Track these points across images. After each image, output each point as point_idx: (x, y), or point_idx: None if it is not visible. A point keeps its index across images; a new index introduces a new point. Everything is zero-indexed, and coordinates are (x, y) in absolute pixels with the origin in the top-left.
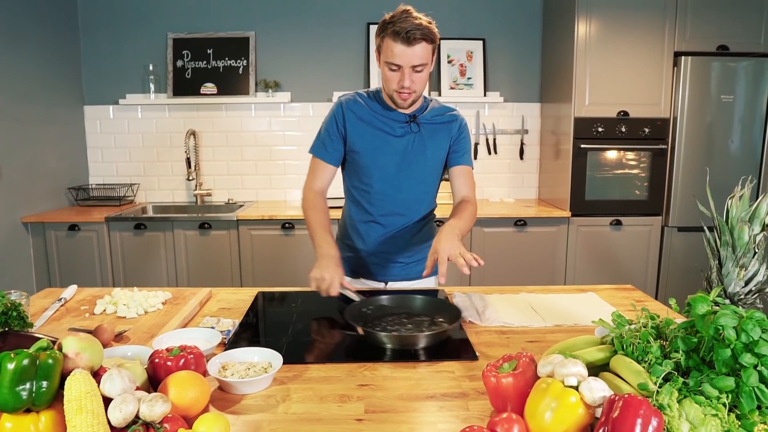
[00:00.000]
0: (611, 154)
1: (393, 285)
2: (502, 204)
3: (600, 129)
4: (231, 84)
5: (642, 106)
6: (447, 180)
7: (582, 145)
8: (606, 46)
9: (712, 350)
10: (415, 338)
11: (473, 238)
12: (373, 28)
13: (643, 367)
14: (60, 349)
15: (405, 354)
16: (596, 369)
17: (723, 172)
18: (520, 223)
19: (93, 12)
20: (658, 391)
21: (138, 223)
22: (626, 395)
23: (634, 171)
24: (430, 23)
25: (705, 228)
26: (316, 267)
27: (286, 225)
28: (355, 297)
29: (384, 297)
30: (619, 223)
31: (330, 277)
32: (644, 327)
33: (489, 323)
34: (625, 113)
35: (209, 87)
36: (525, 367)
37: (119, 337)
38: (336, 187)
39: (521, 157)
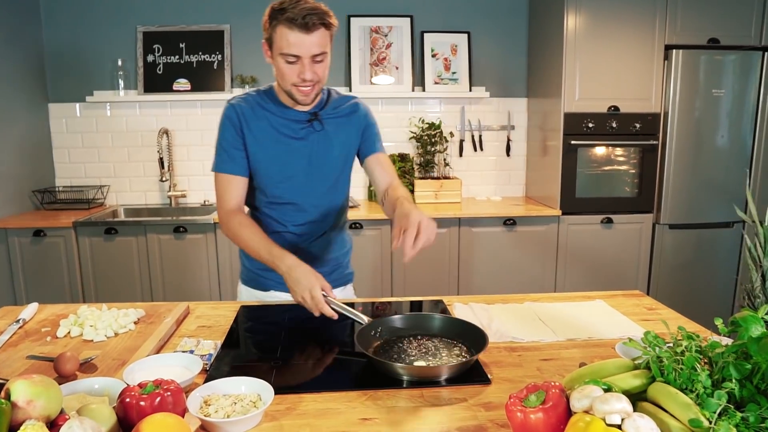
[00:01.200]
0: (602, 150)
1: None
2: (489, 203)
3: (590, 124)
4: (205, 79)
5: (633, 101)
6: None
7: (572, 141)
8: (596, 39)
9: None
10: (437, 370)
11: (461, 237)
12: (356, 21)
13: (690, 398)
14: (8, 396)
15: (408, 379)
16: (631, 398)
17: (713, 167)
18: (510, 222)
19: (56, 2)
20: (713, 429)
21: (108, 227)
22: None
23: (625, 167)
24: (323, 7)
25: (745, 236)
26: (290, 287)
27: None
28: (340, 308)
29: (397, 317)
30: (610, 221)
31: (308, 295)
32: (687, 350)
33: (497, 338)
34: (616, 108)
35: (182, 83)
36: (556, 400)
37: (85, 366)
38: None
39: (508, 154)
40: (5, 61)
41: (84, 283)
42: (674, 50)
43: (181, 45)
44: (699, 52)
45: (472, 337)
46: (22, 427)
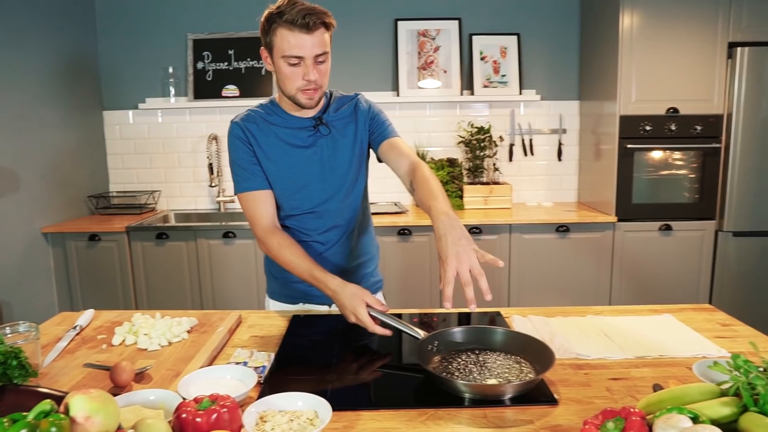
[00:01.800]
0: (659, 154)
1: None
2: (541, 208)
3: (647, 127)
4: (254, 85)
5: (693, 102)
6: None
7: (628, 145)
8: (653, 38)
9: None
10: (502, 389)
11: (512, 245)
12: (403, 25)
13: None
14: (66, 411)
15: (474, 398)
16: (720, 427)
17: None
18: (562, 229)
19: (110, 14)
20: None
21: (160, 232)
22: None
23: (684, 171)
24: (322, 7)
25: None
26: (341, 309)
27: None
28: (393, 323)
29: (455, 330)
30: (669, 228)
31: (354, 316)
32: None
33: (560, 354)
34: (675, 110)
35: (231, 89)
36: (637, 429)
37: (140, 376)
38: None
39: (559, 158)
40: (62, 71)
41: (136, 287)
42: (739, 48)
43: (229, 52)
44: (767, 49)
45: (535, 353)
46: None
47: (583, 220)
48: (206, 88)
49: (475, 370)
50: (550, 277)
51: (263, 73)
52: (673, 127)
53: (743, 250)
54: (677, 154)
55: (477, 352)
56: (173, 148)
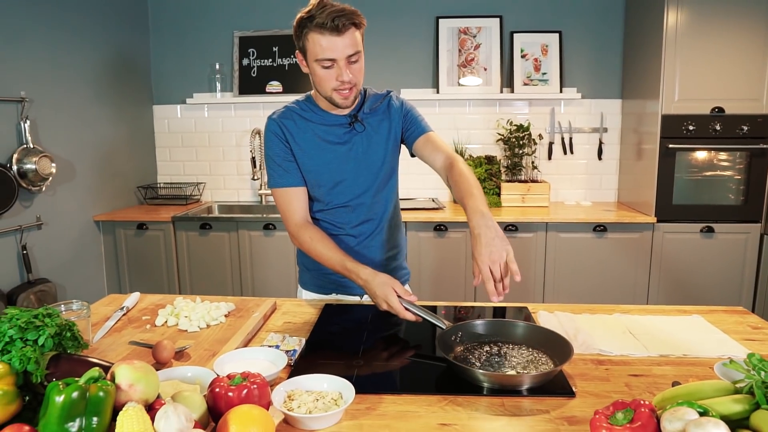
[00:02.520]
0: (703, 155)
1: (367, 297)
2: (579, 207)
3: (691, 127)
4: (296, 81)
5: (740, 102)
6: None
7: (670, 145)
8: (699, 36)
9: None
10: (519, 379)
11: (548, 243)
12: (444, 22)
13: None
14: (113, 379)
15: (492, 387)
16: (731, 424)
17: None
18: (600, 228)
19: (162, 12)
20: None
21: (203, 222)
22: None
23: (729, 173)
24: (351, 7)
25: None
26: (371, 297)
27: None
28: (435, 320)
29: (478, 323)
30: (711, 230)
31: (385, 304)
32: None
33: (583, 350)
34: (720, 109)
35: (275, 85)
36: (645, 421)
37: (180, 354)
38: None
39: (599, 157)
40: (116, 67)
41: (180, 274)
42: None
43: (274, 49)
44: None
45: (556, 346)
46: (124, 408)
47: (621, 220)
48: (251, 84)
49: (495, 360)
50: (586, 277)
51: None
52: (717, 127)
53: None
54: (722, 155)
55: (499, 345)
56: (218, 142)
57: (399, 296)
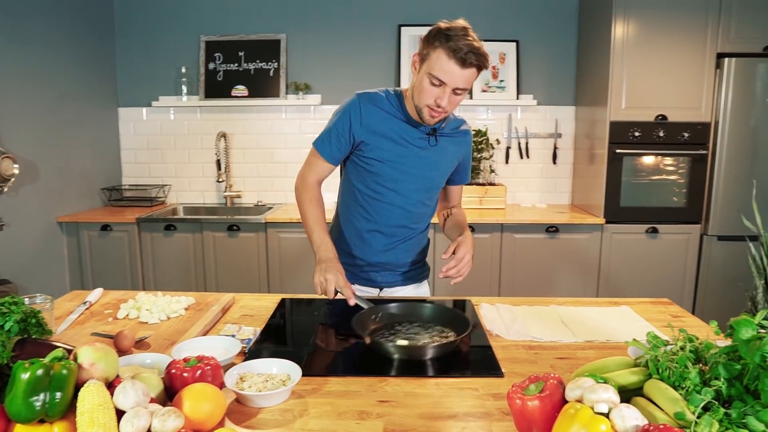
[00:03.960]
0: (648, 160)
1: (387, 291)
2: (534, 210)
3: (637, 133)
4: (262, 86)
5: (681, 110)
6: None
7: (617, 150)
8: (644, 47)
9: (757, 379)
10: (423, 349)
11: (503, 243)
12: (406, 30)
13: (681, 394)
14: (75, 359)
15: (428, 368)
16: (629, 393)
17: (767, 178)
18: (552, 229)
19: (128, 14)
20: (696, 422)
21: (168, 224)
22: (661, 425)
23: (672, 177)
24: (484, 49)
25: (750, 245)
26: (316, 272)
27: None
28: (364, 304)
29: (393, 305)
30: (655, 230)
31: (333, 278)
32: (682, 350)
33: (516, 337)
34: (664, 117)
35: (240, 89)
36: (552, 390)
37: (140, 344)
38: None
39: (554, 162)
40: (82, 68)
41: (144, 276)
42: (727, 59)
43: (240, 53)
44: (755, 61)
45: (459, 323)
46: (85, 385)
47: (572, 222)
48: (216, 88)
49: (409, 335)
50: (540, 275)
51: (271, 74)
52: (661, 134)
53: (727, 254)
54: (665, 160)
55: (411, 323)
56: (184, 145)
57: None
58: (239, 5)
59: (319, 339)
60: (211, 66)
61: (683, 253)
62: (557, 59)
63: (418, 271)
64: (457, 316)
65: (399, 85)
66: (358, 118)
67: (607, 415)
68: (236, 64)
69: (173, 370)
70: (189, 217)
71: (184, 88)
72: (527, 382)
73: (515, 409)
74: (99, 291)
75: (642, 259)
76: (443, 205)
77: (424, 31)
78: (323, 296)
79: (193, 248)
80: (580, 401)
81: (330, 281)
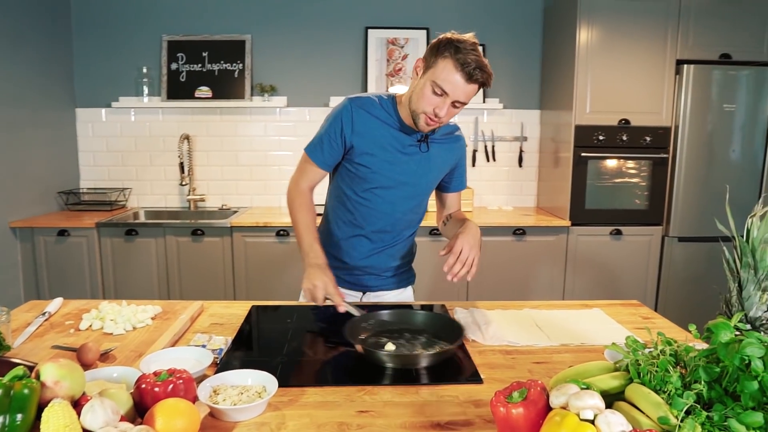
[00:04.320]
0: (612, 163)
1: (370, 295)
2: (501, 212)
3: (601, 137)
4: (226, 88)
5: (643, 114)
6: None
7: (582, 153)
8: (607, 53)
9: (736, 381)
10: (417, 358)
11: None
12: (373, 33)
13: (662, 397)
14: (38, 376)
15: (406, 376)
16: (610, 398)
17: (724, 181)
18: (519, 232)
19: (86, 12)
20: (680, 426)
21: (129, 228)
22: (647, 431)
23: (635, 180)
24: (490, 68)
25: (724, 248)
26: (306, 278)
27: (281, 232)
28: (354, 311)
29: (384, 312)
30: (619, 232)
31: (322, 284)
32: (662, 354)
33: (492, 342)
34: (627, 121)
35: (204, 90)
36: (536, 397)
37: (105, 356)
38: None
39: (520, 165)
40: (37, 68)
41: (104, 282)
42: (686, 65)
43: (203, 54)
44: (711, 67)
45: (450, 331)
46: (49, 405)
47: (539, 224)
48: (179, 89)
49: (400, 344)
50: (508, 278)
51: (236, 75)
52: (624, 138)
53: (688, 255)
54: (628, 163)
55: (402, 331)
56: (145, 147)
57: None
58: (203, 5)
59: (293, 347)
60: (174, 66)
61: (646, 254)
62: (522, 63)
63: (403, 276)
64: (447, 322)
65: (366, 88)
66: (350, 123)
67: (592, 422)
68: (200, 65)
69: (143, 385)
70: (151, 221)
71: (146, 89)
72: (509, 389)
73: (499, 417)
74: (59, 300)
75: (606, 260)
76: (442, 213)
77: (390, 33)
78: (312, 303)
79: (156, 254)
80: (564, 408)
81: (318, 288)
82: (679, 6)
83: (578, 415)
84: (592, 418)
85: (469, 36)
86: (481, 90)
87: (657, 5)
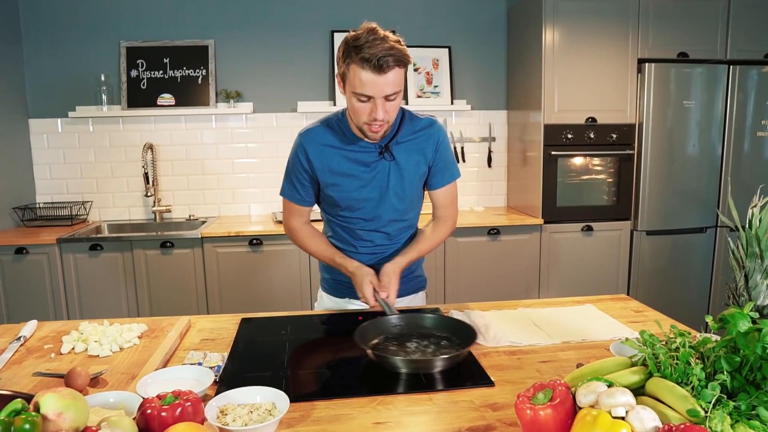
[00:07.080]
0: (580, 160)
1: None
2: (473, 213)
3: (569, 135)
4: (190, 95)
5: (609, 113)
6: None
7: (552, 152)
8: (573, 53)
9: (759, 370)
10: (433, 362)
11: (447, 249)
12: (339, 36)
13: (686, 390)
14: (37, 409)
15: (416, 383)
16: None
17: (687, 175)
18: (494, 231)
19: (35, 17)
20: (709, 417)
21: (94, 243)
22: (683, 425)
23: (603, 176)
24: (400, 43)
25: (729, 239)
26: (356, 287)
27: (254, 241)
28: (387, 309)
29: (393, 317)
30: (590, 228)
31: (367, 287)
32: (682, 347)
33: (495, 343)
34: (593, 119)
35: (166, 98)
36: (563, 397)
37: (95, 381)
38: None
39: (489, 165)
40: None
41: (68, 300)
42: (647, 63)
43: (165, 60)
44: (669, 66)
45: (462, 333)
46: None
47: (513, 223)
48: (140, 97)
49: (411, 349)
50: (484, 277)
51: (200, 81)
52: (591, 135)
53: (655, 247)
54: (596, 160)
55: (414, 336)
56: (105, 158)
57: (375, 289)
58: (161, 10)
59: (294, 359)
60: (134, 73)
61: (616, 248)
62: (488, 65)
63: (412, 282)
64: (458, 324)
65: (334, 92)
66: (306, 159)
67: (623, 419)
68: (161, 72)
69: (149, 410)
70: (116, 235)
71: (104, 98)
72: (533, 391)
73: (525, 420)
74: (33, 323)
75: (579, 255)
76: (433, 212)
77: None
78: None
79: (123, 268)
80: (593, 406)
81: (364, 290)
82: (638, 6)
83: (609, 413)
84: (623, 415)
85: (364, 25)
86: (449, 92)
87: (618, 6)
